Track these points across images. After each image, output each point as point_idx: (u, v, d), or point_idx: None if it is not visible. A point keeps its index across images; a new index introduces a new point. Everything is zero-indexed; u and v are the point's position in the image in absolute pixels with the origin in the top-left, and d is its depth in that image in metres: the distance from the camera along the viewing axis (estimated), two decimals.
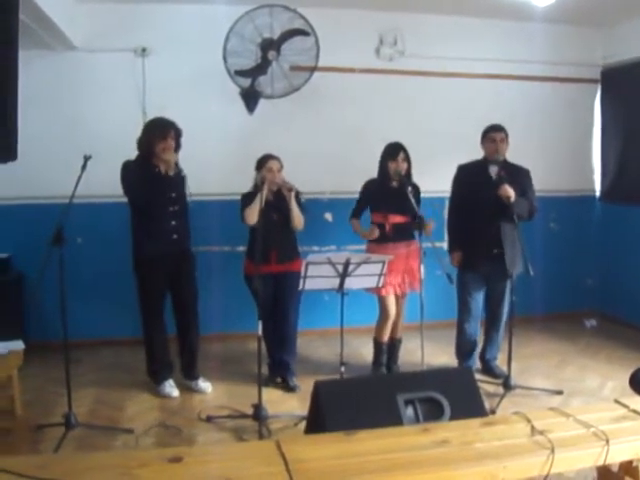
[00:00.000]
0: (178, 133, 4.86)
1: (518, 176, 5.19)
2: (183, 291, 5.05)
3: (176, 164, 4.89)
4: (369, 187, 5.33)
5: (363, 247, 5.36)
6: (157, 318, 4.99)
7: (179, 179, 4.94)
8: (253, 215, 4.75)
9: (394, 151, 5.17)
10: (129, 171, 4.74)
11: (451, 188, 5.48)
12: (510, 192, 4.92)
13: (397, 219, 5.17)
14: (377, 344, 5.41)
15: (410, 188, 4.98)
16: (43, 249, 3.99)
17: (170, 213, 4.87)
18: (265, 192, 4.75)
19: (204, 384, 5.17)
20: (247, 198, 4.95)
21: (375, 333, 5.41)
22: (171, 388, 5.03)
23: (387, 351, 5.44)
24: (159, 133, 4.76)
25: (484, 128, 5.32)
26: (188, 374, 5.20)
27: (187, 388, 5.13)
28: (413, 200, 4.90)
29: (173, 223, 4.89)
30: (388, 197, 5.19)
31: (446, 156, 6.21)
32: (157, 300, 4.97)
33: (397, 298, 5.29)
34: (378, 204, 5.24)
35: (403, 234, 5.19)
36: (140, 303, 4.97)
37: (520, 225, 4.95)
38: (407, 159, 5.18)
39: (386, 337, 5.37)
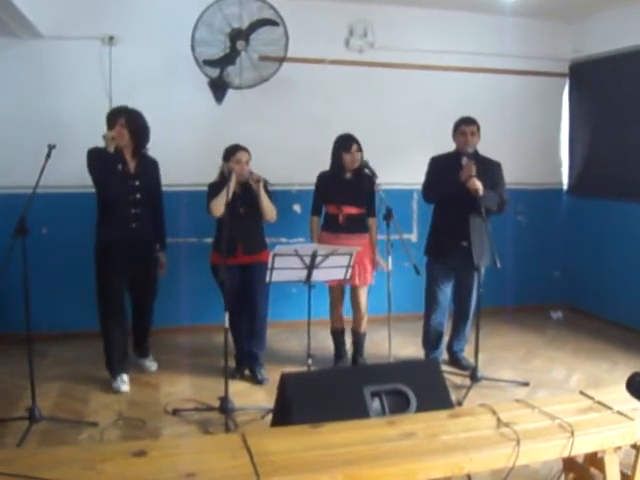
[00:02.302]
0: (132, 118, 4.82)
1: (488, 169, 5.20)
2: (137, 277, 5.04)
3: (143, 154, 4.90)
4: (323, 178, 5.33)
5: None
6: (112, 308, 4.90)
7: (146, 166, 4.95)
8: (219, 207, 4.70)
9: (347, 143, 5.16)
10: (91, 158, 4.72)
11: (425, 178, 5.44)
12: (478, 185, 4.93)
13: (351, 210, 5.18)
14: (333, 333, 5.51)
15: (376, 180, 4.98)
16: (6, 240, 3.92)
17: (130, 201, 4.84)
18: (233, 184, 4.71)
19: (150, 363, 5.31)
20: (214, 188, 4.90)
21: (330, 324, 5.51)
22: (122, 383, 4.91)
23: (352, 345, 5.47)
24: (109, 123, 4.78)
25: (456, 120, 5.33)
26: (138, 351, 5.31)
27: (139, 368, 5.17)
28: (383, 195, 4.89)
29: (133, 211, 4.86)
30: (342, 188, 5.19)
31: (416, 149, 6.26)
32: (113, 289, 4.89)
33: (355, 291, 5.31)
34: (332, 195, 5.23)
35: (356, 226, 5.21)
36: (97, 291, 4.90)
37: (489, 218, 4.97)
38: (360, 149, 5.17)
39: (338, 322, 5.44)
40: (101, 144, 4.64)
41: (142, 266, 5.01)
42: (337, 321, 5.47)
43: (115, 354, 4.97)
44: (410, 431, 2.83)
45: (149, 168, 5.01)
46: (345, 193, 5.17)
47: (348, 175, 5.20)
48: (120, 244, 4.81)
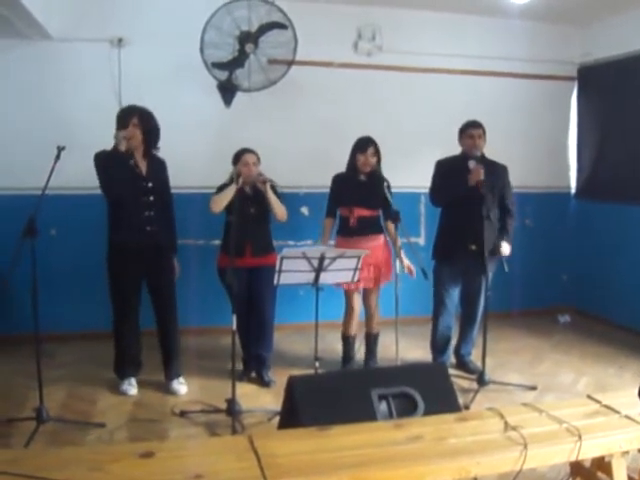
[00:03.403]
0: (144, 117, 4.68)
1: (495, 172, 5.19)
2: (156, 287, 4.91)
3: (152, 155, 4.82)
4: (337, 180, 5.33)
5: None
6: (126, 312, 4.83)
7: (156, 167, 4.83)
8: (219, 204, 4.76)
9: (364, 144, 5.16)
10: (99, 160, 4.58)
11: (431, 181, 5.43)
12: (480, 174, 4.91)
13: (363, 212, 5.17)
14: (344, 339, 5.45)
15: (386, 183, 4.98)
16: (12, 241, 3.91)
17: (144, 203, 4.70)
18: (239, 185, 4.69)
19: (178, 386, 4.97)
20: (221, 188, 4.91)
21: (342, 328, 5.43)
22: (129, 386, 4.89)
23: (365, 348, 5.45)
24: (121, 122, 4.63)
25: (462, 124, 5.32)
26: (165, 373, 5.04)
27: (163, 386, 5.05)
28: (389, 195, 4.89)
29: (146, 214, 4.71)
30: (355, 190, 5.18)
31: (423, 152, 6.26)
32: (126, 293, 4.79)
33: (368, 292, 5.30)
34: (345, 197, 5.23)
35: (369, 228, 5.20)
36: (110, 295, 4.83)
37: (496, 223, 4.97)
38: (377, 153, 5.17)
39: (352, 331, 5.40)
40: (109, 147, 4.62)
41: (159, 273, 4.88)
42: (350, 327, 5.39)
43: (125, 359, 4.94)
44: (417, 434, 2.83)
45: (159, 169, 4.86)
46: (357, 195, 5.16)
47: (362, 177, 5.20)
48: (135, 248, 4.68)
